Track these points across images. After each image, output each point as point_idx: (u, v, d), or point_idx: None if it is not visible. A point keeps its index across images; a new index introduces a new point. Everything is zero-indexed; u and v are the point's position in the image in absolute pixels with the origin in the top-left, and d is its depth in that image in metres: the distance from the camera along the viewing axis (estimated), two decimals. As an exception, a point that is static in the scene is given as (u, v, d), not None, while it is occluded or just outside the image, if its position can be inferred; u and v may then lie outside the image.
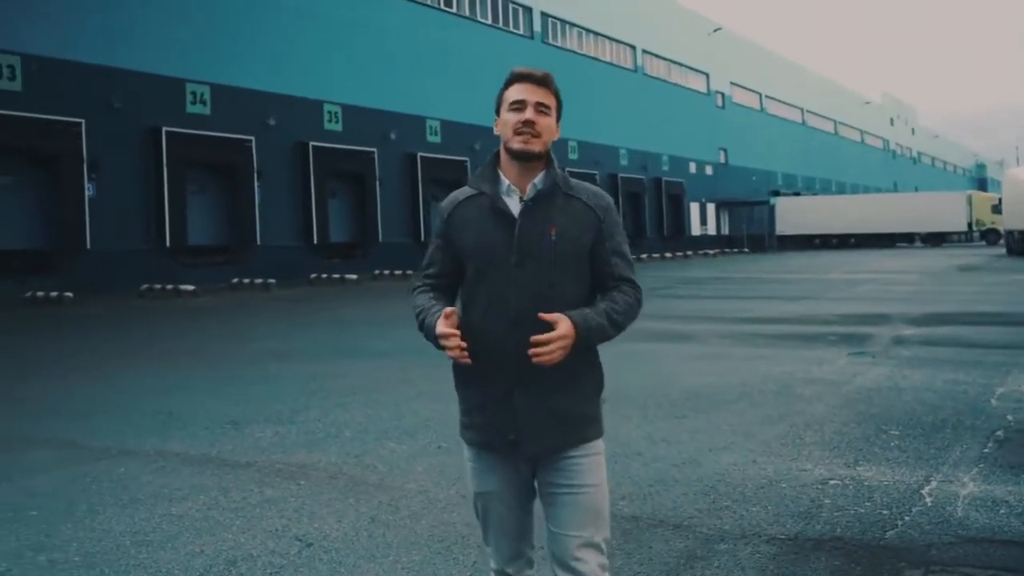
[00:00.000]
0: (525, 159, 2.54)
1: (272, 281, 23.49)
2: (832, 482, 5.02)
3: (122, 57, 22.86)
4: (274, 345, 12.03)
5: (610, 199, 2.67)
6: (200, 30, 24.86)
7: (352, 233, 30.20)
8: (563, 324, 2.41)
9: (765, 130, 64.50)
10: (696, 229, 54.26)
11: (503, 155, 2.61)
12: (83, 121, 21.75)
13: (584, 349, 2.50)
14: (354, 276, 25.84)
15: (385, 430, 6.52)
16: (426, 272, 2.75)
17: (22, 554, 4.14)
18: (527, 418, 2.52)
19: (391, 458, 5.74)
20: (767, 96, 66.20)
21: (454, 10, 35.44)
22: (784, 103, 69.26)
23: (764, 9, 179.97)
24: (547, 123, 2.56)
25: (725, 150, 58.87)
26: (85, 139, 21.76)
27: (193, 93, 24.77)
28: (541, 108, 2.55)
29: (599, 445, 2.62)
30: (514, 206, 2.55)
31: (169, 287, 21.26)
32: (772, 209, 58.60)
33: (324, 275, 26.01)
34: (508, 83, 2.61)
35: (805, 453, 5.66)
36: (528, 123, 2.52)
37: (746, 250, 54.62)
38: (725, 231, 58.39)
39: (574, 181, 2.64)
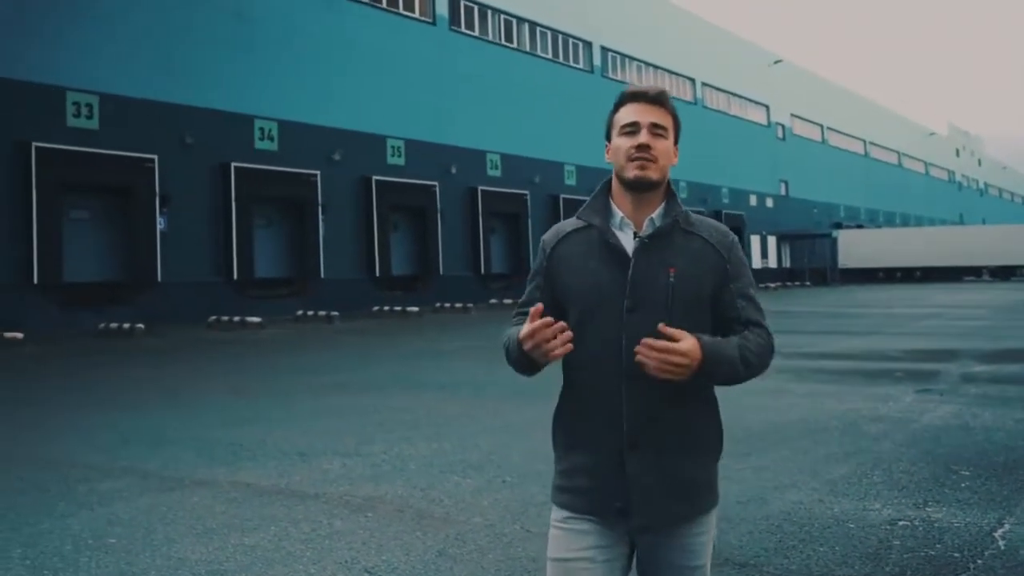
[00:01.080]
0: (641, 189, 2.28)
1: (335, 313, 23.79)
2: (901, 523, 4.96)
3: (194, 95, 23.55)
4: (339, 378, 12.21)
5: (734, 236, 2.37)
6: (268, 68, 25.51)
7: (413, 266, 30.53)
8: (687, 341, 2.11)
9: (827, 162, 63.88)
10: (757, 262, 53.71)
11: (615, 185, 2.34)
12: (156, 157, 22.42)
13: (704, 378, 2.18)
14: (415, 308, 26.10)
15: (450, 464, 6.59)
16: (522, 309, 2.43)
17: (104, 581, 4.23)
18: (640, 486, 2.22)
19: (456, 492, 5.80)
20: (829, 127, 65.62)
21: (514, 45, 35.88)
22: (846, 135, 68.57)
23: (825, 40, 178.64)
24: (664, 147, 2.28)
25: (786, 182, 58.37)
26: (158, 174, 22.43)
27: (261, 129, 25.38)
28: (657, 130, 2.28)
29: (713, 518, 2.34)
30: (627, 242, 2.28)
31: (236, 319, 21.66)
32: (834, 242, 57.79)
33: (386, 307, 26.31)
34: (618, 104, 2.35)
35: (873, 493, 5.60)
36: (643, 147, 2.25)
37: (808, 284, 53.92)
38: (786, 264, 57.75)
39: (694, 216, 2.36)
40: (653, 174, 2.25)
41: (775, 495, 5.57)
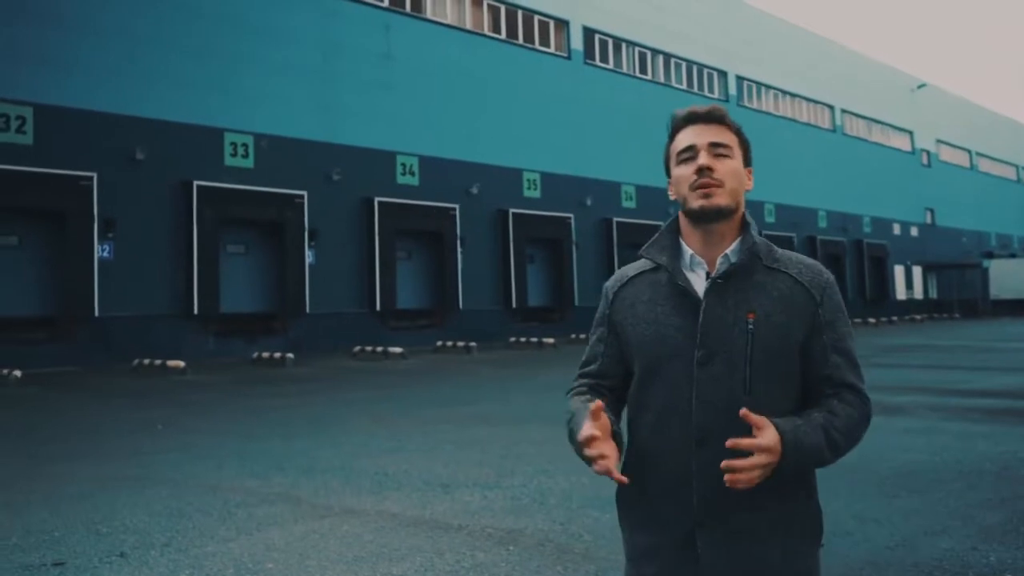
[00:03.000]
0: (709, 219, 1.95)
1: (473, 344, 24.21)
2: (1062, 575, 4.75)
3: (340, 133, 24.60)
4: (478, 409, 12.44)
5: (830, 276, 2.00)
6: (410, 106, 26.38)
7: (549, 297, 30.78)
8: (768, 432, 1.78)
9: (976, 188, 61.13)
10: (901, 293, 51.74)
11: (683, 222, 2.03)
12: (305, 193, 23.48)
13: (789, 473, 1.84)
14: (551, 340, 26.28)
15: (588, 499, 6.63)
16: (584, 371, 2.18)
17: (264, 604, 4.49)
18: (714, 573, 1.89)
19: (596, 527, 5.83)
20: (978, 153, 62.79)
21: (649, 77, 35.91)
22: (997, 160, 65.48)
23: (972, 63, 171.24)
24: (730, 168, 1.96)
25: (932, 210, 56.11)
26: (307, 210, 23.46)
27: (403, 164, 26.22)
28: (718, 149, 1.96)
29: None
30: (699, 284, 1.96)
31: (379, 349, 22.33)
32: (985, 272, 55.09)
33: (522, 338, 26.59)
34: (672, 132, 2.04)
35: (1030, 542, 5.38)
36: (704, 169, 1.93)
37: (956, 316, 51.46)
38: (933, 295, 55.37)
39: (781, 251, 2.01)
40: (721, 200, 1.93)
41: (925, 540, 5.41)
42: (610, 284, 2.13)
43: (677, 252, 2.01)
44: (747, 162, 2.02)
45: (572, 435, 1.96)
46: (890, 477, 7.22)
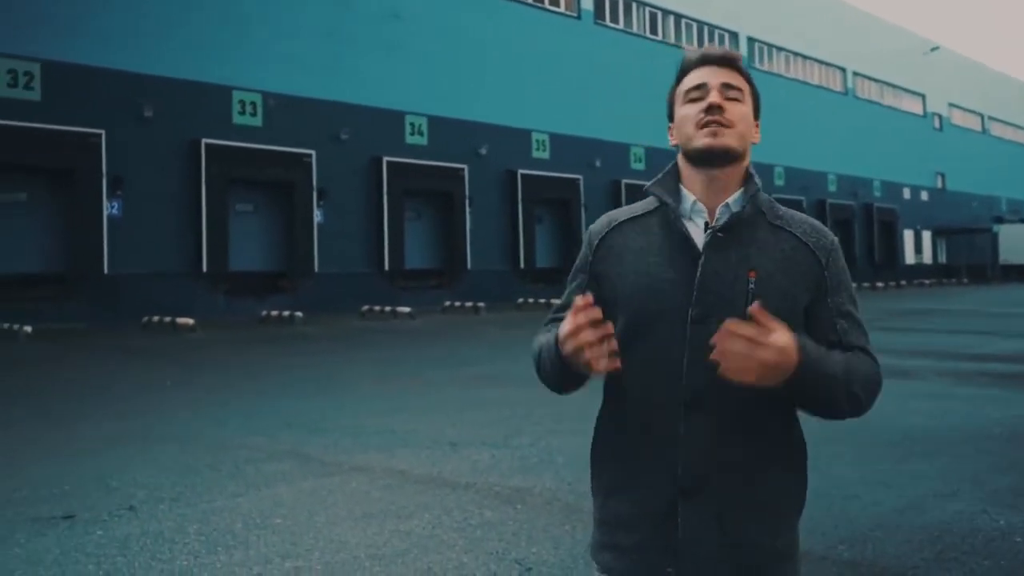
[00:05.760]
0: (715, 162, 1.78)
1: (481, 305, 24.24)
2: (1072, 539, 4.74)
3: (349, 92, 24.45)
4: (487, 369, 12.46)
5: (834, 238, 1.86)
6: (419, 65, 26.17)
7: (557, 258, 30.74)
8: (783, 334, 1.58)
9: (988, 153, 60.61)
10: (910, 258, 51.59)
11: (684, 167, 1.86)
12: (313, 152, 23.39)
13: (794, 395, 1.68)
14: (559, 301, 26.17)
15: (597, 459, 6.65)
16: (555, 316, 1.95)
17: (271, 559, 4.48)
18: (694, 548, 1.71)
19: (604, 487, 5.85)
20: (990, 117, 62.26)
21: (659, 38, 35.56)
22: (1010, 124, 64.95)
23: (986, 26, 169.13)
24: (741, 111, 1.80)
25: (943, 175, 55.73)
26: (315, 169, 23.38)
27: (412, 124, 26.07)
28: (730, 91, 1.80)
29: None
30: (697, 235, 1.78)
31: (387, 309, 22.36)
32: (995, 237, 54.93)
33: (530, 299, 26.58)
34: (681, 73, 1.88)
35: (1040, 505, 5.37)
36: (714, 108, 1.77)
37: (965, 280, 51.33)
38: (942, 260, 55.24)
39: (784, 209, 1.86)
40: (729, 139, 1.77)
41: (934, 503, 5.40)
42: (595, 228, 1.92)
43: (677, 196, 1.83)
44: (756, 114, 1.87)
45: (543, 356, 1.83)
46: (898, 441, 7.21)
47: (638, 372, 1.75)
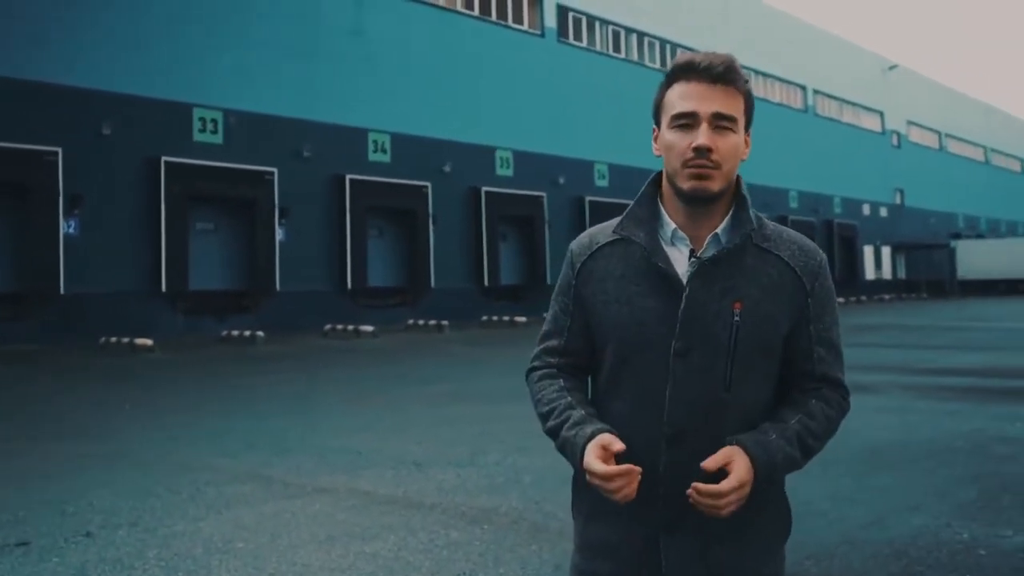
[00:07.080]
0: (697, 203, 1.74)
1: (445, 322, 24.14)
2: (1035, 551, 4.77)
3: (311, 110, 24.30)
4: (451, 387, 12.38)
5: (823, 257, 1.81)
6: (382, 82, 26.08)
7: (521, 276, 30.72)
8: (739, 466, 1.63)
9: (945, 170, 61.63)
10: (870, 273, 52.23)
11: (666, 186, 1.79)
12: (275, 170, 23.21)
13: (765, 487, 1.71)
14: (523, 318, 26.25)
15: (564, 478, 6.50)
16: (547, 346, 1.93)
17: (234, 584, 4.37)
18: None
19: (571, 506, 5.80)
20: (947, 134, 63.36)
21: (623, 56, 35.85)
22: (966, 141, 66.10)
23: (943, 45, 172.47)
24: (730, 146, 1.73)
25: (901, 191, 56.58)
26: (277, 187, 23.19)
27: (375, 142, 25.98)
28: (722, 123, 1.72)
29: None
30: (680, 261, 1.74)
31: (350, 327, 22.21)
32: (952, 252, 55.75)
33: (495, 317, 26.54)
34: (671, 79, 1.78)
35: (1004, 518, 5.39)
36: (702, 150, 1.69)
37: (924, 296, 52.09)
38: (902, 275, 55.97)
39: (772, 226, 1.80)
40: (714, 185, 1.71)
41: (899, 518, 5.42)
42: (576, 249, 1.89)
43: (656, 223, 1.77)
44: (748, 125, 1.81)
45: (560, 438, 1.80)
46: (863, 456, 7.25)
47: (624, 402, 1.76)
